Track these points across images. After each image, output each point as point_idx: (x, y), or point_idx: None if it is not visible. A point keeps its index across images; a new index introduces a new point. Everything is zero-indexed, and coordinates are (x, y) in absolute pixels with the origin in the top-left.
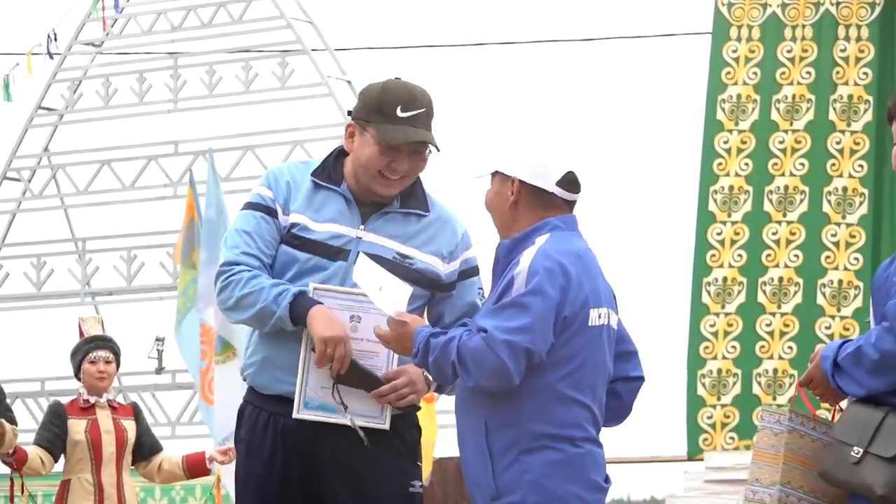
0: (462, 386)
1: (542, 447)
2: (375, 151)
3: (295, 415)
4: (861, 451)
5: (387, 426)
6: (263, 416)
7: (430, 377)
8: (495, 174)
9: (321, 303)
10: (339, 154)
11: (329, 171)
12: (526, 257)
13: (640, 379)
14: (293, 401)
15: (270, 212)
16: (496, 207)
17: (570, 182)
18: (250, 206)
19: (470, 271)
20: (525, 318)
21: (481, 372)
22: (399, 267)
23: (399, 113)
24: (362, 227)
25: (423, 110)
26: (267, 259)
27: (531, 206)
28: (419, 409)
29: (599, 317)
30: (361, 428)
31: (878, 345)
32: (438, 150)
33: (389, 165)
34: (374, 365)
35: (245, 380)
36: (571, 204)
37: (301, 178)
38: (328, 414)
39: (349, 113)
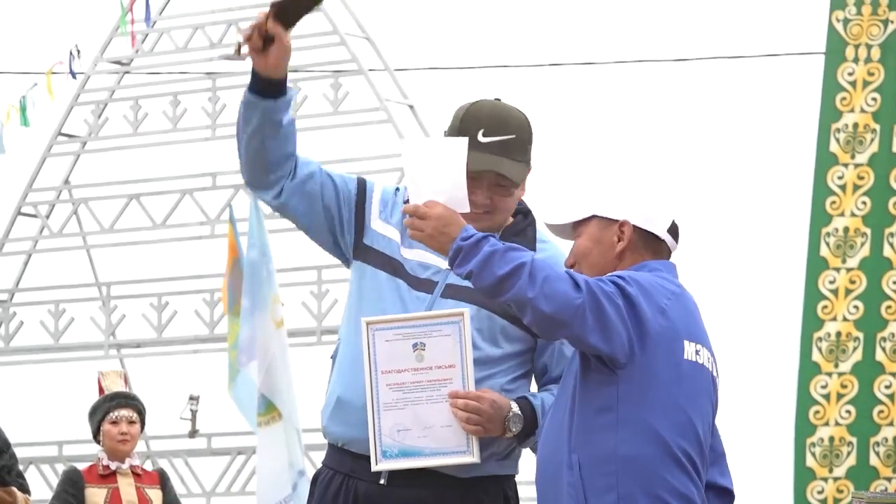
0: (547, 457)
1: (639, 498)
2: None
3: (374, 468)
4: None
5: (477, 459)
6: (337, 481)
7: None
8: (590, 219)
9: None
10: None
11: None
12: None
13: (730, 496)
14: (367, 458)
15: (339, 193)
16: (595, 256)
17: (675, 231)
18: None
19: None
20: (614, 296)
21: (547, 288)
22: (494, 305)
23: (480, 137)
24: None
25: (511, 137)
26: (314, 169)
27: (640, 252)
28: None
29: (697, 353)
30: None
31: None
32: (515, 184)
33: (469, 197)
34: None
35: (323, 432)
36: (670, 255)
37: (398, 204)
38: (412, 459)
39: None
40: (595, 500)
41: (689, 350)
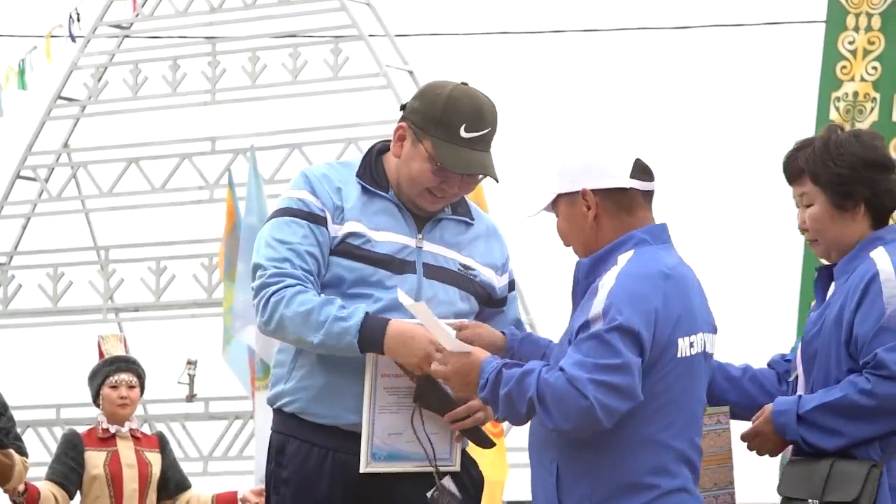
0: (536, 422)
1: (618, 499)
2: (427, 169)
3: (362, 469)
4: (817, 502)
5: (457, 467)
6: (317, 454)
7: (499, 415)
8: (558, 199)
9: (387, 319)
10: (380, 152)
11: (373, 174)
12: (606, 283)
13: None
14: (356, 434)
15: (318, 220)
16: (575, 232)
17: (642, 170)
18: (290, 212)
19: (513, 284)
20: (612, 357)
21: (561, 410)
22: (465, 280)
23: (462, 133)
24: (420, 235)
25: (487, 130)
26: (314, 277)
27: (613, 213)
28: (494, 444)
29: (691, 346)
30: (440, 473)
31: (878, 392)
32: (497, 181)
33: (440, 185)
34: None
35: (283, 408)
36: (650, 197)
37: (349, 181)
38: (399, 463)
39: (402, 108)
40: (569, 493)
41: (683, 346)
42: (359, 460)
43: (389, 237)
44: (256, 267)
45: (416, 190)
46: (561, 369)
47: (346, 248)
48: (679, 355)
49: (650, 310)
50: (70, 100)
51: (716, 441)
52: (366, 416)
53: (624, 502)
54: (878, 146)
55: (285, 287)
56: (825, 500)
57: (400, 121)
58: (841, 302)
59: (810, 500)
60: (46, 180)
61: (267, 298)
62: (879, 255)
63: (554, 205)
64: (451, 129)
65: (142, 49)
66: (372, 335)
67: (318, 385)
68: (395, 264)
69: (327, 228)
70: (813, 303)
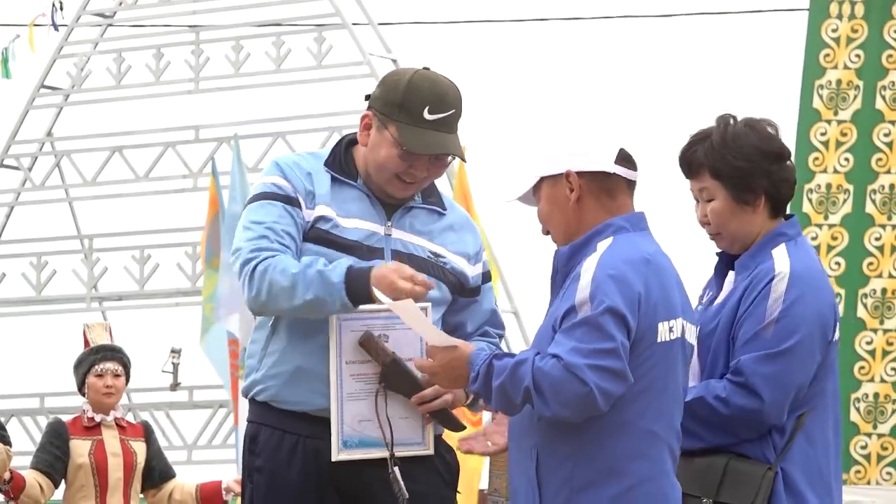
0: (515, 439)
1: (598, 484)
2: (394, 154)
3: (334, 458)
4: (711, 501)
5: (431, 451)
6: (289, 441)
7: (492, 407)
8: (541, 182)
9: (370, 267)
10: (349, 143)
11: (341, 164)
12: (588, 268)
13: None
14: (327, 420)
15: (292, 202)
16: (556, 215)
17: (626, 159)
18: (265, 196)
19: (487, 275)
20: (606, 341)
21: (560, 398)
22: (435, 267)
23: (426, 115)
24: (389, 223)
25: (451, 112)
26: (292, 252)
27: (596, 196)
28: (465, 427)
29: (671, 330)
30: (399, 460)
31: (731, 401)
32: (464, 161)
33: (408, 170)
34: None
35: (256, 397)
36: (633, 186)
37: (318, 170)
38: (370, 450)
39: (367, 98)
40: (548, 488)
41: (663, 330)
42: (330, 446)
43: (357, 224)
44: (235, 250)
45: (385, 176)
46: (555, 356)
47: (316, 234)
48: (659, 340)
49: (634, 294)
50: (53, 88)
51: None
52: (334, 405)
53: (604, 487)
54: (774, 135)
55: (266, 258)
56: (718, 501)
57: (366, 110)
58: (738, 299)
59: (704, 499)
60: (30, 169)
61: (251, 272)
62: (780, 256)
63: (536, 189)
64: (413, 113)
65: (125, 38)
66: (358, 281)
67: (287, 371)
68: (364, 251)
69: (301, 210)
70: (706, 287)
